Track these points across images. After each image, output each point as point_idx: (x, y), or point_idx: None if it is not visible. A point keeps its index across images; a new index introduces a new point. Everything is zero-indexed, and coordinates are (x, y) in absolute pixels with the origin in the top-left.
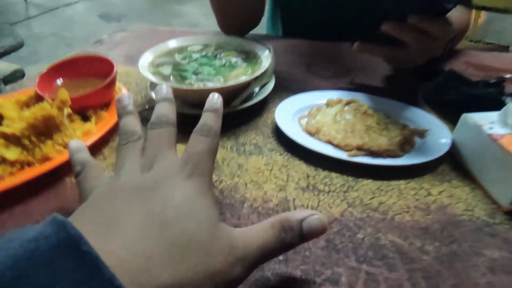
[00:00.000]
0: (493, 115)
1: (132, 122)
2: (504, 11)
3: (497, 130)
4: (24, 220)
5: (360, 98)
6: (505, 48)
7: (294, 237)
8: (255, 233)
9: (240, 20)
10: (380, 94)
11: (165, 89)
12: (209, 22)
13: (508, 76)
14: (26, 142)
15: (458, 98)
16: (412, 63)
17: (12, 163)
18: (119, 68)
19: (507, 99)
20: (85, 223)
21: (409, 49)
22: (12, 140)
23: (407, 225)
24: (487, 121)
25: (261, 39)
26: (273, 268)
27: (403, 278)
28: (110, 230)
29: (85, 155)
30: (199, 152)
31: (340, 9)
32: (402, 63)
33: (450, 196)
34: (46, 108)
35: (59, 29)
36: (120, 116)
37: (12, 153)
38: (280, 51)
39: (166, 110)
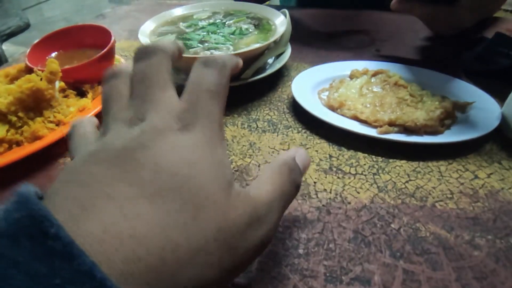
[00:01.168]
0: None
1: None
2: None
3: None
4: None
5: (389, 68)
6: None
7: (299, 175)
8: (270, 186)
9: None
10: (412, 65)
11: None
12: None
13: None
14: (14, 118)
15: (508, 66)
16: (460, 25)
17: (0, 142)
18: (122, 43)
19: None
20: (56, 201)
21: (455, 7)
22: None
23: (451, 214)
24: None
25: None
26: (292, 263)
27: (451, 278)
28: (87, 208)
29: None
30: (204, 90)
31: None
32: (446, 26)
33: (502, 180)
34: (33, 80)
35: (69, 14)
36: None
37: (0, 131)
38: (297, 21)
39: (158, 42)
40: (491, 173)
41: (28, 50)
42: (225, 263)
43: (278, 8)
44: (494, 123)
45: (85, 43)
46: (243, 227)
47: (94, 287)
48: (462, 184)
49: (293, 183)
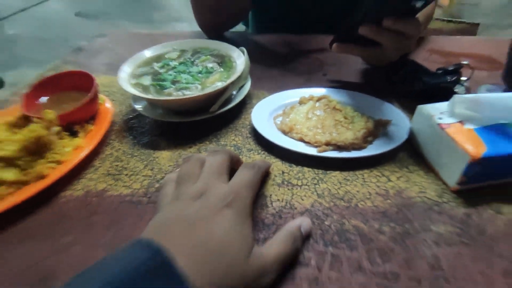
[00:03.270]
0: (443, 106)
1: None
2: None
3: (446, 119)
4: (25, 236)
5: (331, 94)
6: (475, 25)
7: (299, 242)
8: (276, 249)
9: (222, 19)
10: (352, 88)
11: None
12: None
13: (465, 62)
14: (21, 163)
15: (421, 88)
16: (387, 60)
17: (10, 184)
18: (102, 78)
19: (460, 89)
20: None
21: (385, 48)
22: (8, 162)
23: (368, 210)
24: (437, 111)
25: (238, 38)
26: None
27: (362, 260)
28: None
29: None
30: (241, 184)
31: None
32: (377, 61)
33: (407, 181)
34: (36, 130)
35: (35, 30)
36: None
37: (11, 174)
38: (256, 48)
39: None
40: (400, 177)
41: (22, 100)
42: None
43: (242, 35)
44: (404, 136)
45: (70, 86)
46: (255, 277)
47: None
48: (378, 186)
49: (294, 249)
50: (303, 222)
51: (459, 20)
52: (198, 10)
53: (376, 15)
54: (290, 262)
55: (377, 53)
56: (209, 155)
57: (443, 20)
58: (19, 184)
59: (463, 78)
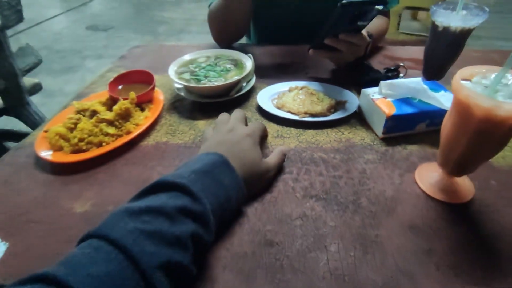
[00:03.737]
0: (376, 89)
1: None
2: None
3: (376, 96)
4: (126, 163)
5: (309, 85)
6: None
7: (284, 156)
8: (274, 159)
9: (231, 38)
10: (324, 81)
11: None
12: (192, 28)
13: (401, 64)
14: (117, 123)
15: (368, 80)
16: (345, 61)
17: (112, 135)
18: None
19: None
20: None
21: (342, 53)
22: (109, 122)
23: (328, 149)
24: (372, 92)
25: (244, 47)
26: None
27: (322, 170)
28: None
29: None
30: (254, 126)
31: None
32: (339, 61)
33: (354, 134)
34: (125, 103)
35: (49, 42)
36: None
37: (112, 130)
38: (257, 56)
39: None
40: (349, 132)
41: (108, 87)
42: (256, 185)
43: (248, 46)
44: (354, 109)
45: (135, 80)
46: (264, 173)
47: (240, 189)
48: (335, 137)
49: (283, 158)
50: (285, 148)
51: (421, 34)
52: (211, 28)
53: (335, 31)
54: (281, 169)
55: (338, 56)
56: (233, 113)
57: (407, 34)
58: (117, 136)
59: (401, 75)
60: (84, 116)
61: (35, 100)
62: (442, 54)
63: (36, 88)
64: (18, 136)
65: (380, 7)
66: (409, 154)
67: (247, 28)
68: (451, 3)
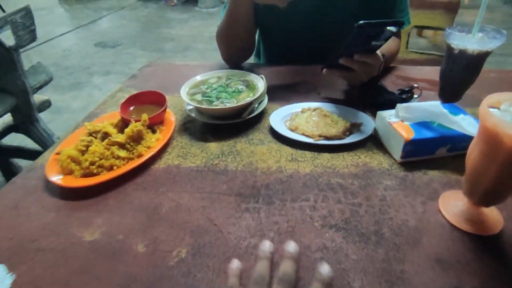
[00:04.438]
0: (392, 111)
1: (265, 267)
2: (438, 28)
3: (393, 119)
4: (137, 188)
5: (322, 106)
6: (442, 57)
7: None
8: None
9: (238, 55)
10: (336, 102)
11: (267, 247)
12: (198, 45)
13: (415, 85)
14: (128, 146)
15: (383, 102)
16: (360, 80)
17: (123, 159)
18: None
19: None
20: None
21: (357, 72)
22: (121, 145)
23: (345, 174)
24: (388, 114)
25: (254, 68)
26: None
27: (341, 197)
28: None
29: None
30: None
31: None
32: (353, 81)
33: (371, 158)
34: (138, 126)
35: (57, 59)
36: (259, 258)
37: (124, 153)
38: (270, 76)
39: (264, 270)
40: (366, 156)
41: (121, 108)
42: None
43: (259, 65)
44: (370, 132)
45: (146, 101)
46: None
47: None
48: (352, 161)
49: None
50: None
51: (430, 52)
52: (220, 47)
53: (350, 52)
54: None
55: (352, 75)
56: (252, 285)
57: (417, 52)
58: (128, 159)
59: (415, 96)
60: (96, 138)
61: (42, 116)
62: (459, 77)
63: (45, 105)
64: (27, 153)
65: (394, 28)
66: (431, 180)
67: (253, 44)
68: (465, 25)
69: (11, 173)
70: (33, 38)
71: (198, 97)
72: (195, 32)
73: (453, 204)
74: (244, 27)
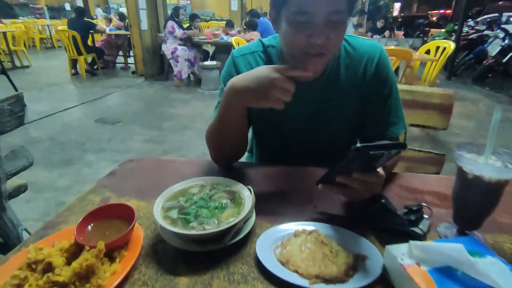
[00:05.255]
0: (404, 247)
1: None
2: (434, 128)
3: (406, 260)
4: None
5: (319, 227)
6: (441, 155)
7: None
8: None
9: (229, 156)
10: (335, 220)
11: None
12: (196, 125)
13: (424, 204)
14: (72, 286)
15: (388, 227)
16: (360, 198)
17: None
18: (131, 202)
19: (417, 231)
20: None
21: (357, 190)
22: (62, 286)
23: None
24: (400, 253)
25: (246, 168)
26: None
27: None
28: None
29: None
30: None
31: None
32: (353, 198)
33: None
34: (89, 259)
35: (54, 134)
36: None
37: None
38: (261, 181)
39: None
40: None
41: (76, 230)
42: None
43: (246, 166)
44: (378, 272)
45: (111, 214)
46: None
47: None
48: None
49: None
50: None
51: (428, 150)
52: (209, 148)
53: (348, 169)
54: None
55: (352, 193)
56: None
57: (415, 150)
58: None
59: (425, 217)
60: (35, 271)
61: (22, 195)
62: (476, 204)
63: (21, 190)
64: None
65: (396, 151)
66: None
67: (245, 147)
68: (474, 145)
69: None
70: (20, 123)
71: (174, 214)
72: (195, 112)
73: None
74: (236, 132)
